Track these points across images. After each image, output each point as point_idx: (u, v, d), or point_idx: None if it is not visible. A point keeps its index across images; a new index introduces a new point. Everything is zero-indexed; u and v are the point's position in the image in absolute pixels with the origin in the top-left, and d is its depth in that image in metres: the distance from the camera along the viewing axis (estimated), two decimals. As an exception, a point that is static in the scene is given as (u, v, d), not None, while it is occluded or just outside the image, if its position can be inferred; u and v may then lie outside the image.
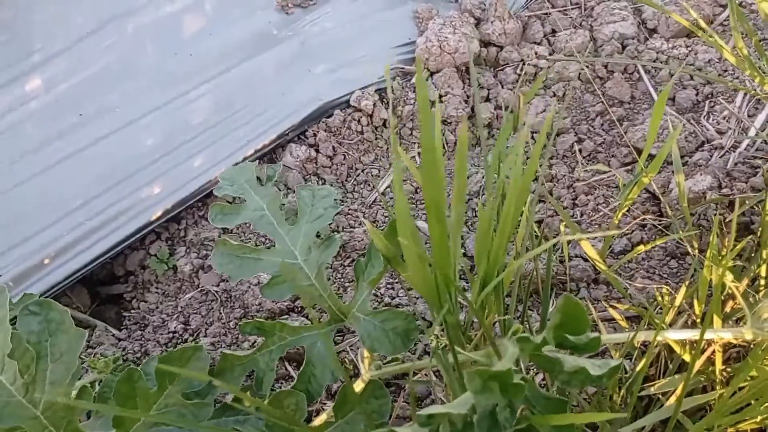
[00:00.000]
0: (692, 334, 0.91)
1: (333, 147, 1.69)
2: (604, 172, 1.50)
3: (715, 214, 1.31)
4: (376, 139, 1.72)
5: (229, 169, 1.13)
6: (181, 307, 1.49)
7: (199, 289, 1.52)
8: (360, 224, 1.56)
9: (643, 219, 1.38)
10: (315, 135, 1.70)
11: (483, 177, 1.59)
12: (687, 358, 0.99)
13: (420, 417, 0.60)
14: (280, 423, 0.94)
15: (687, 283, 1.06)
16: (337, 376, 1.00)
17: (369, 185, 1.64)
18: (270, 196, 1.08)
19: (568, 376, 0.69)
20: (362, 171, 1.68)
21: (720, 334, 0.92)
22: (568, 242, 1.33)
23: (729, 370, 1.01)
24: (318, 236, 1.07)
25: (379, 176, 1.67)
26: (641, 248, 1.17)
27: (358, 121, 1.72)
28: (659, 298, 1.07)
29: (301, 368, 0.99)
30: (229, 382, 1.00)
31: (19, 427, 0.89)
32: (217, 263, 1.03)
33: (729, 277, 0.95)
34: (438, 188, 0.74)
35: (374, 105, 1.72)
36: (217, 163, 1.66)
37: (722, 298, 1.03)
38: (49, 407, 0.89)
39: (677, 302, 1.02)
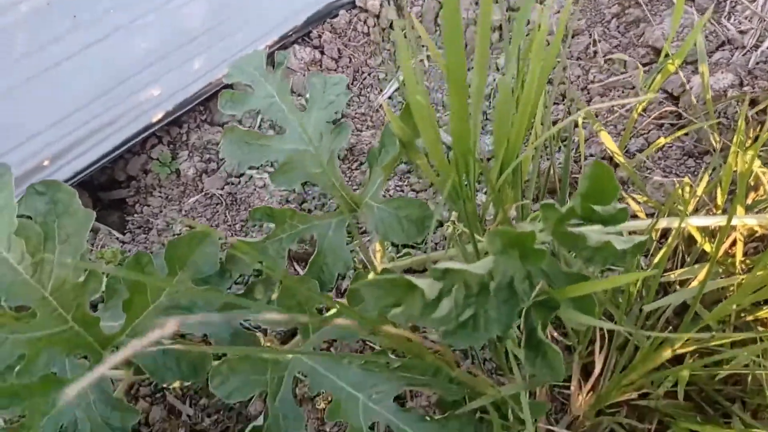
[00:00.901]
0: (717, 220, 0.89)
1: (338, 49, 1.62)
2: (621, 74, 1.45)
3: (736, 111, 1.26)
4: (383, 41, 1.66)
5: (239, 58, 1.07)
6: (186, 211, 1.46)
7: (203, 193, 1.48)
8: (367, 127, 1.52)
9: (661, 116, 1.34)
10: (320, 36, 1.63)
11: (494, 80, 1.54)
12: (707, 248, 0.97)
13: (435, 271, 0.58)
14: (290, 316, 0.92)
15: (708, 174, 1.03)
16: (349, 266, 0.98)
17: (376, 89, 1.59)
18: (280, 83, 1.04)
19: (592, 251, 0.66)
20: (369, 74, 1.62)
21: (745, 220, 0.90)
22: (585, 141, 1.29)
23: (748, 261, 0.99)
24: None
25: (386, 80, 1.61)
26: (661, 141, 1.14)
27: (365, 22, 1.65)
28: (679, 192, 1.04)
29: (312, 258, 0.96)
30: (238, 271, 0.98)
31: (27, 306, 0.87)
32: (225, 150, 0.99)
33: (756, 163, 0.92)
34: (459, 56, 0.70)
35: (381, 5, 1.65)
36: (217, 65, 1.60)
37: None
38: (57, 288, 0.87)
39: (699, 191, 1.00)
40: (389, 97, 1.57)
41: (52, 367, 0.91)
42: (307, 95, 1.06)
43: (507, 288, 0.66)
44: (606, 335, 0.94)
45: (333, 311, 0.95)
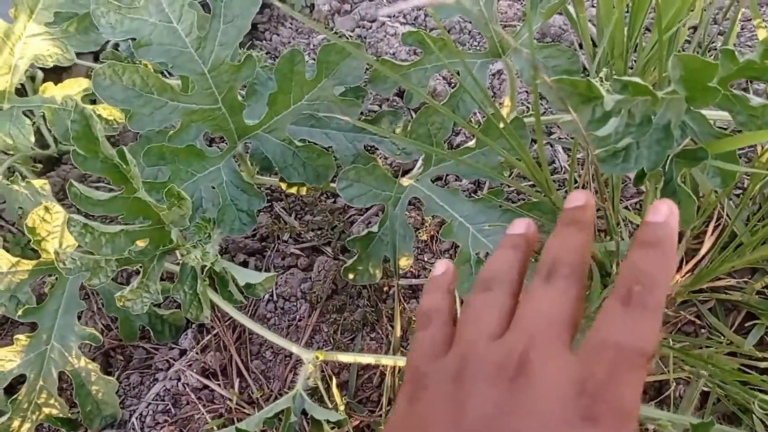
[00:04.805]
0: None
1: None
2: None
3: None
4: None
5: None
6: (314, 45, 1.50)
7: (333, 32, 1.51)
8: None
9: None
10: None
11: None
12: None
13: (617, 83, 0.60)
14: (419, 142, 0.95)
15: None
16: (483, 107, 1.01)
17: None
18: None
19: (747, 117, 0.66)
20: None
21: None
22: None
23: None
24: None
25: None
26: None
27: None
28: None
29: (451, 93, 0.99)
30: (378, 91, 1.02)
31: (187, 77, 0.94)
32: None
33: None
34: None
35: None
36: None
37: None
38: (215, 67, 0.93)
39: None
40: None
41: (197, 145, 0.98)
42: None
43: (664, 129, 0.68)
44: (721, 220, 0.95)
45: (466, 146, 0.98)
